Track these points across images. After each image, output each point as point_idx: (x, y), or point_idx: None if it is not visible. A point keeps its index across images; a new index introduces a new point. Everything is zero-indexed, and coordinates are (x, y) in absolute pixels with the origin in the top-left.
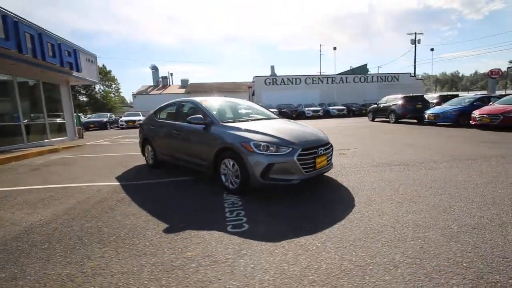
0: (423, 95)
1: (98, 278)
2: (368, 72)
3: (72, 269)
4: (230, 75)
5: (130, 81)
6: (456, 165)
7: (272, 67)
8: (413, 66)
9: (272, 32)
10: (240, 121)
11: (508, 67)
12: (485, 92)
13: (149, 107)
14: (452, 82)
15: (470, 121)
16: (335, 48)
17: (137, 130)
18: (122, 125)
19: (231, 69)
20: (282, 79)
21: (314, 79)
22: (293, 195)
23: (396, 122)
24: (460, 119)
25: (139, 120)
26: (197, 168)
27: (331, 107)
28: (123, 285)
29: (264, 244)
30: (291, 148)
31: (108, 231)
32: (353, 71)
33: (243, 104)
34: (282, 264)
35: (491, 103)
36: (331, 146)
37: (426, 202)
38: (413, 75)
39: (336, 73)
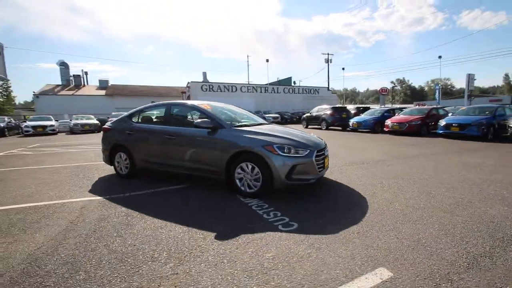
0: (346, 107)
1: None
2: (292, 85)
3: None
4: (148, 78)
5: (20, 78)
6: (402, 162)
7: (204, 74)
8: (327, 81)
9: (196, 37)
10: (248, 126)
11: (392, 86)
12: (377, 105)
13: (57, 110)
14: (351, 97)
15: (384, 128)
16: (267, 60)
17: (49, 138)
18: (28, 131)
19: (149, 71)
20: (219, 86)
21: (249, 87)
22: (300, 193)
23: (327, 129)
24: (375, 126)
25: (52, 126)
26: (203, 175)
27: (267, 115)
28: None
29: (329, 237)
30: (308, 150)
31: (151, 248)
32: (279, 83)
33: (235, 109)
34: (361, 247)
35: (397, 114)
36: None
37: (410, 190)
38: (329, 89)
39: (264, 83)
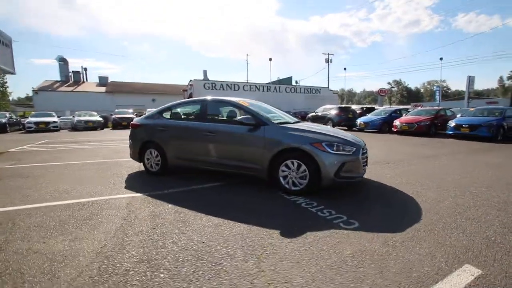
0: (351, 107)
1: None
2: (293, 84)
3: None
4: (145, 76)
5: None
6: (425, 162)
7: (205, 72)
8: (327, 81)
9: (193, 36)
10: (288, 123)
11: (390, 88)
12: (380, 106)
13: (56, 106)
14: (348, 97)
15: (392, 128)
16: (270, 59)
17: (53, 134)
18: (30, 127)
19: (144, 69)
20: (221, 84)
21: (252, 86)
22: (342, 191)
23: None
24: (383, 126)
25: (54, 122)
26: (242, 172)
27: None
28: None
29: (398, 235)
30: (355, 148)
31: (222, 245)
32: (280, 82)
33: (265, 105)
34: (435, 245)
35: (404, 114)
36: None
37: (451, 189)
38: (331, 89)
39: (265, 82)
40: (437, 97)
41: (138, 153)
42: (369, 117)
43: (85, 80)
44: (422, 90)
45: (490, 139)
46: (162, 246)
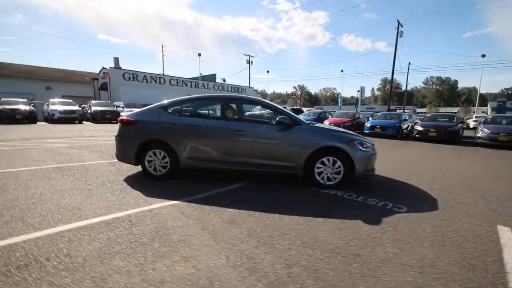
0: (301, 108)
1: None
2: (222, 82)
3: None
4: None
5: None
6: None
7: (116, 60)
8: (248, 82)
9: (87, 12)
10: (313, 122)
11: (296, 91)
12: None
13: None
14: (261, 97)
15: None
16: (199, 54)
17: None
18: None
19: (36, 50)
20: (145, 76)
21: (179, 81)
22: (360, 183)
23: None
24: None
25: None
26: (274, 170)
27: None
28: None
29: (446, 213)
30: (372, 145)
31: (331, 241)
32: (203, 78)
33: (275, 105)
34: (475, 215)
35: (330, 116)
36: None
37: (408, 172)
38: (255, 89)
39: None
40: (339, 102)
41: (135, 154)
42: (301, 117)
43: None
44: (319, 95)
45: (395, 137)
46: (288, 249)
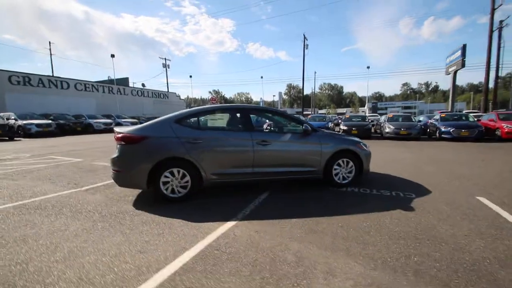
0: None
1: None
2: (141, 87)
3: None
4: None
5: None
6: None
7: None
8: (166, 86)
9: None
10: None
11: (214, 96)
12: None
13: None
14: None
15: None
16: (113, 56)
17: None
18: None
19: None
20: (41, 79)
21: (88, 85)
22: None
23: None
24: None
25: None
26: (299, 176)
27: (122, 120)
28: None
29: (450, 198)
30: (367, 145)
31: (410, 242)
32: (111, 82)
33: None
34: (462, 190)
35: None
36: None
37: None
38: (177, 95)
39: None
40: (261, 105)
41: (147, 177)
42: None
43: None
44: (234, 99)
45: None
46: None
